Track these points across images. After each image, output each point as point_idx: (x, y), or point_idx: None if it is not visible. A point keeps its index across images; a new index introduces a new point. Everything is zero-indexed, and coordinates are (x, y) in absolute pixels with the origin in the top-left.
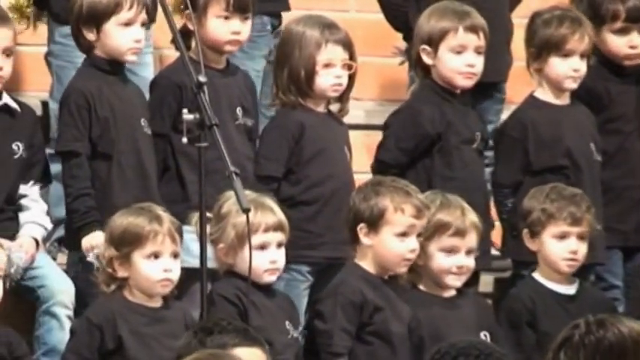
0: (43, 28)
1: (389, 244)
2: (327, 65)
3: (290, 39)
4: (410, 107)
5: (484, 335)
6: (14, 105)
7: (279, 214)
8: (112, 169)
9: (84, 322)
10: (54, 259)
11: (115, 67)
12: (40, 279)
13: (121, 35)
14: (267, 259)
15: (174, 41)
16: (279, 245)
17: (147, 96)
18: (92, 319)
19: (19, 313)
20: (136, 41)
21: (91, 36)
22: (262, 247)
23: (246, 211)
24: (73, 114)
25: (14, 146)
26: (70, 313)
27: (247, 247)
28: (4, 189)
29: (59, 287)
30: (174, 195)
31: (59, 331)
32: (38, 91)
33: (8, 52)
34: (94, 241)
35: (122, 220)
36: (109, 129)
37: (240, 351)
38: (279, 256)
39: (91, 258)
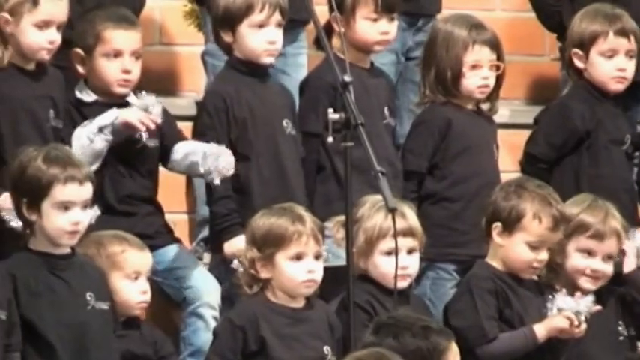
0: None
1: (518, 250)
2: (474, 67)
3: (437, 38)
4: (561, 104)
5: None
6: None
7: (410, 220)
8: (251, 171)
9: (227, 324)
10: (200, 259)
11: (253, 68)
12: (186, 280)
13: (255, 37)
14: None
15: (316, 41)
16: (410, 251)
17: (297, 98)
18: (235, 321)
19: (165, 314)
20: (270, 43)
21: (227, 38)
22: (391, 252)
23: (392, 210)
24: (212, 116)
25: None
26: (216, 313)
27: (377, 252)
28: (141, 182)
29: (205, 288)
30: (332, 193)
31: (205, 332)
32: (194, 91)
33: (137, 55)
34: (235, 247)
35: (264, 220)
36: (247, 130)
37: None
38: (410, 262)
39: (235, 265)
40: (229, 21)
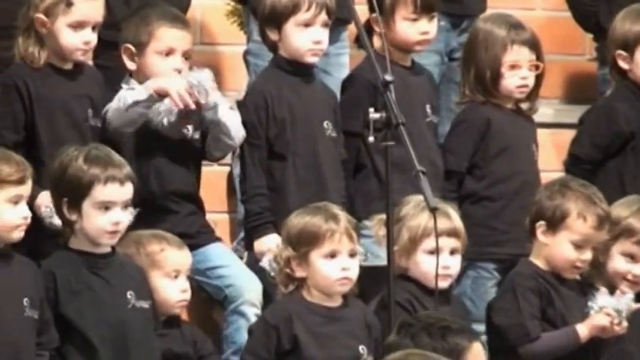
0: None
1: (563, 249)
2: (513, 67)
3: (477, 38)
4: (605, 104)
5: None
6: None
7: (455, 221)
8: (287, 170)
9: (261, 323)
10: (241, 258)
11: (297, 67)
12: (227, 278)
13: (300, 36)
14: (439, 264)
15: (357, 40)
16: (453, 252)
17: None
18: (269, 320)
19: (206, 313)
20: (315, 42)
21: (273, 36)
22: (433, 252)
23: (433, 210)
24: (251, 114)
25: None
26: (258, 311)
27: (420, 251)
28: (184, 178)
29: (247, 286)
30: (372, 192)
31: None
32: (235, 90)
33: (187, 56)
34: (265, 245)
35: (299, 219)
36: (286, 130)
37: None
38: (452, 262)
39: (263, 263)
40: (275, 19)
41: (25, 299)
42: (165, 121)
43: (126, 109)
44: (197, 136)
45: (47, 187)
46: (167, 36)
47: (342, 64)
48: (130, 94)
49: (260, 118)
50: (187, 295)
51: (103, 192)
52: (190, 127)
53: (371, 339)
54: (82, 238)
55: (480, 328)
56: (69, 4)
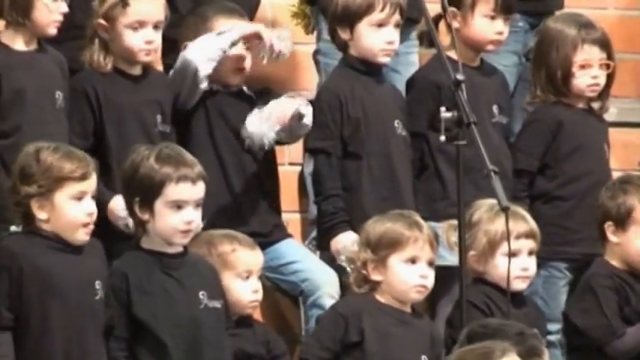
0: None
1: (635, 244)
2: (583, 66)
3: (547, 38)
4: None
5: None
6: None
7: (530, 222)
8: (362, 170)
9: (330, 312)
10: None
11: (369, 67)
12: (303, 273)
13: (373, 36)
14: (518, 266)
15: (422, 39)
16: (530, 253)
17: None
18: (339, 310)
19: (279, 312)
20: (388, 43)
21: (345, 35)
22: (513, 254)
23: (505, 209)
24: (325, 113)
25: None
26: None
27: (499, 254)
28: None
29: (323, 279)
30: (434, 192)
31: None
32: (306, 89)
33: (248, 46)
34: (341, 244)
35: (380, 225)
36: (360, 129)
37: None
38: (531, 264)
39: (341, 261)
40: (348, 18)
41: (97, 282)
42: (266, 140)
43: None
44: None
45: (117, 191)
46: (225, 27)
47: (412, 62)
48: (219, 38)
49: (334, 117)
50: (259, 296)
51: (175, 191)
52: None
53: (433, 353)
54: (154, 237)
55: (552, 327)
56: (125, 5)
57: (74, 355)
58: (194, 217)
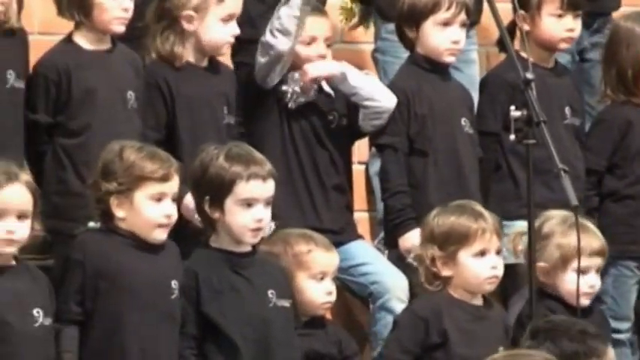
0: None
1: None
2: None
3: (617, 37)
4: None
5: None
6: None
7: (602, 239)
8: (428, 167)
9: (409, 314)
10: None
11: (435, 65)
12: (372, 275)
13: (439, 35)
14: (586, 282)
15: (499, 42)
16: (598, 270)
17: (472, 93)
18: (418, 312)
19: (350, 312)
20: (453, 42)
21: (411, 34)
22: (584, 271)
23: (575, 208)
24: (393, 110)
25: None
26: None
27: (570, 269)
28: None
29: (393, 282)
30: (507, 193)
31: None
32: None
33: (329, 43)
34: (409, 242)
35: (444, 219)
36: (427, 127)
37: None
38: (597, 282)
39: (411, 259)
40: (414, 17)
41: (173, 281)
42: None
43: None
44: (344, 122)
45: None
46: (307, 25)
47: (472, 60)
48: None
49: (402, 114)
50: (332, 298)
51: (245, 189)
52: (335, 114)
53: (508, 342)
54: (224, 236)
55: (622, 326)
56: None
57: (149, 354)
58: (264, 215)
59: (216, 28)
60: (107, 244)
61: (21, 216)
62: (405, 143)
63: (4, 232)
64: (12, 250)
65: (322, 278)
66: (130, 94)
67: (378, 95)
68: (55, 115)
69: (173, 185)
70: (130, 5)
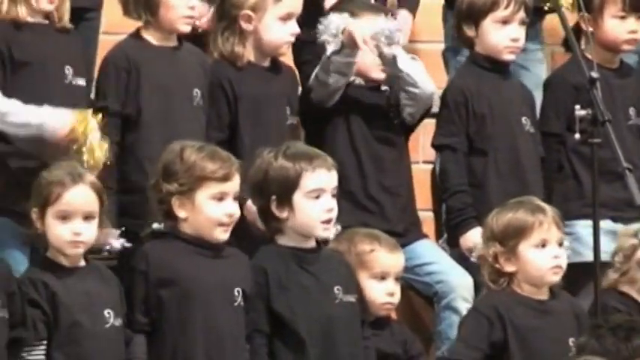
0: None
1: None
2: None
3: None
4: None
5: None
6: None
7: None
8: (488, 166)
9: (473, 313)
10: None
11: (495, 64)
12: (437, 274)
13: (498, 33)
14: None
15: (565, 43)
16: None
17: (535, 93)
18: (481, 310)
19: (415, 311)
20: (512, 40)
21: (470, 32)
22: None
23: (639, 207)
24: (451, 110)
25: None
26: (471, 306)
27: None
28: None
29: (458, 281)
30: (571, 193)
31: None
32: (439, 88)
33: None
34: (471, 241)
35: (501, 216)
36: (486, 125)
37: None
38: None
39: (473, 259)
40: (473, 15)
41: (237, 289)
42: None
43: (327, 58)
44: (410, 118)
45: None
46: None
47: (540, 59)
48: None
49: (460, 113)
50: (394, 299)
51: (312, 180)
52: (394, 110)
53: (581, 329)
54: (291, 234)
55: None
56: None
57: None
58: (333, 205)
59: (275, 27)
60: (171, 252)
61: (87, 217)
62: (464, 143)
63: (70, 233)
64: (79, 251)
65: (383, 278)
66: (196, 92)
67: (420, 82)
68: (123, 105)
69: (234, 184)
70: (197, 3)
